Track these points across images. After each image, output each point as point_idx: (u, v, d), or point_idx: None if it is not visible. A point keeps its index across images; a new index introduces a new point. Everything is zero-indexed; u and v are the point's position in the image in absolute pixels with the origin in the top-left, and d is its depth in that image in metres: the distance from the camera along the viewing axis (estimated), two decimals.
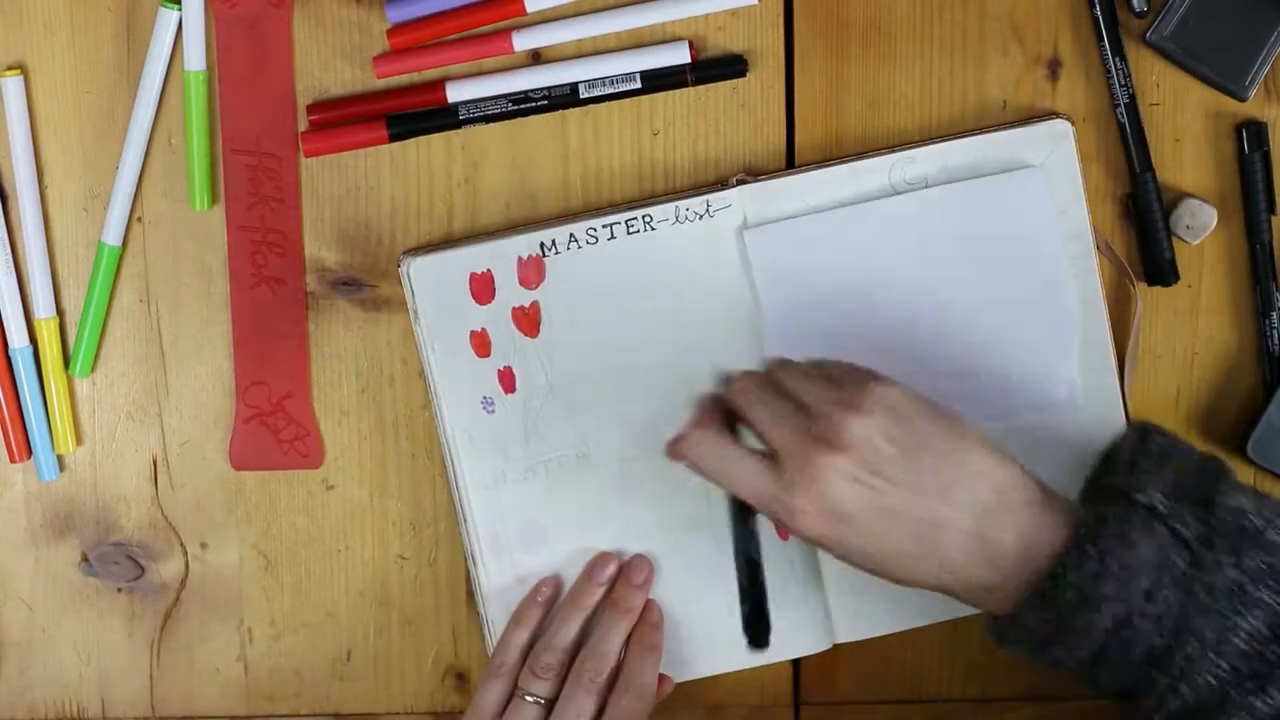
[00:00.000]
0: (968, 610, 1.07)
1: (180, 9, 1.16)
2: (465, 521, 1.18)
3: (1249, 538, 1.02)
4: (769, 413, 1.07)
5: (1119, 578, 1.01)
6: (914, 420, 1.05)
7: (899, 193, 1.16)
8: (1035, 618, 1.02)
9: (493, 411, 1.17)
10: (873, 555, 1.05)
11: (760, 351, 1.16)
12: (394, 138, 1.17)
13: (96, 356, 1.20)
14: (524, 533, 1.18)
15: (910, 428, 1.05)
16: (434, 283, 1.17)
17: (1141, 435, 1.07)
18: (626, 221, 1.16)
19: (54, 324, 1.20)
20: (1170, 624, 1.01)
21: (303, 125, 1.18)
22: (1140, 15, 1.15)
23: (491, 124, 1.17)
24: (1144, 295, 1.17)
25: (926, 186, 1.16)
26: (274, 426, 1.20)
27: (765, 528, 1.18)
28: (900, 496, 1.04)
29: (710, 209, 1.16)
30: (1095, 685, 1.04)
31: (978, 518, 1.04)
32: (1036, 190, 1.15)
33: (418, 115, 1.17)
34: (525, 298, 1.17)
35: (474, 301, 1.17)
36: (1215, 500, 1.03)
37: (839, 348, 1.13)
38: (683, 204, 1.16)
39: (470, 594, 1.20)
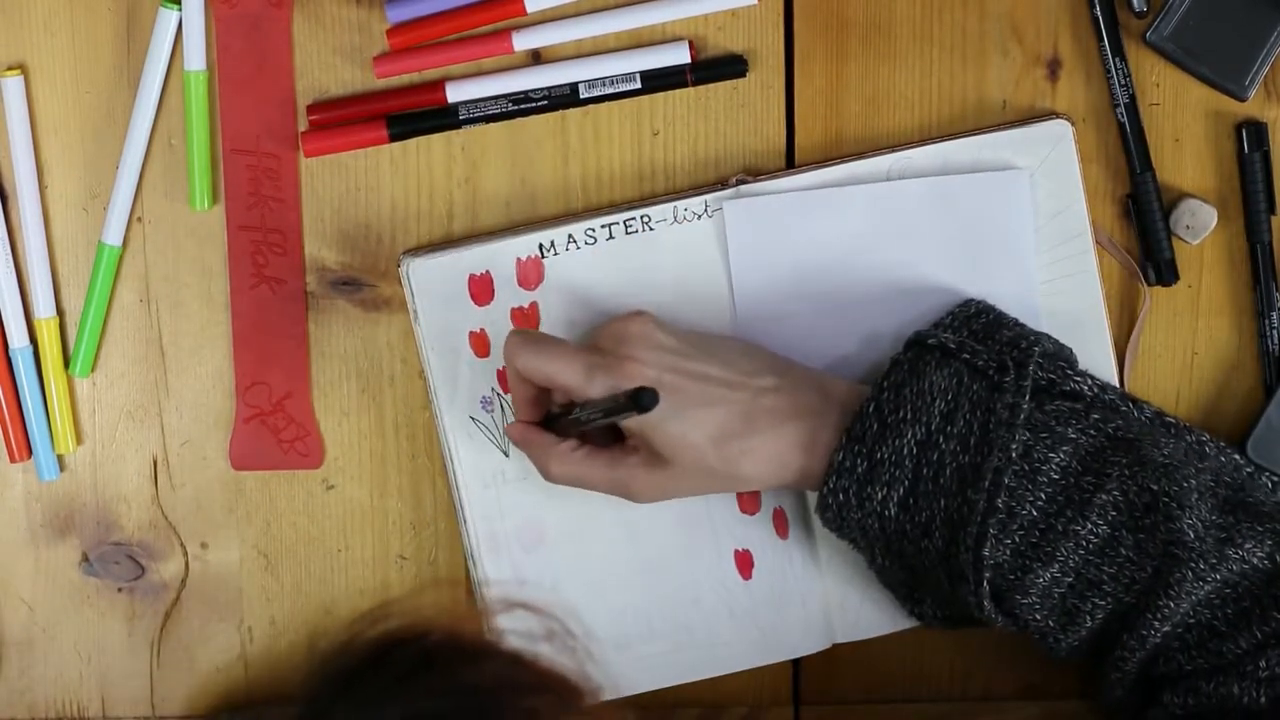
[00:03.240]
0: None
1: (180, 9, 1.16)
2: (464, 521, 1.18)
3: (1043, 389, 1.10)
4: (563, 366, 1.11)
5: (913, 403, 1.08)
6: (679, 330, 1.12)
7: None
8: (847, 458, 1.08)
9: (492, 411, 1.17)
10: (708, 434, 1.09)
11: (732, 323, 1.16)
12: (394, 138, 1.17)
13: (96, 356, 1.20)
14: (522, 532, 1.18)
15: (681, 335, 1.12)
16: (434, 283, 1.17)
17: (960, 306, 1.14)
18: (625, 222, 1.16)
19: (54, 324, 1.20)
20: (974, 442, 1.07)
21: (303, 125, 1.18)
22: (1140, 15, 1.15)
23: (491, 124, 1.17)
24: (1147, 295, 1.17)
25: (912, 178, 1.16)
26: (274, 426, 1.20)
27: (765, 529, 1.18)
28: (704, 365, 1.10)
29: (709, 209, 1.16)
30: (924, 557, 1.08)
31: (778, 383, 1.11)
32: (1020, 191, 1.15)
33: (418, 115, 1.17)
34: (524, 298, 1.17)
35: (473, 303, 1.17)
36: (1008, 342, 1.11)
37: (803, 324, 1.16)
38: (681, 204, 1.16)
39: (470, 594, 1.20)
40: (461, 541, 1.19)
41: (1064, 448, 1.08)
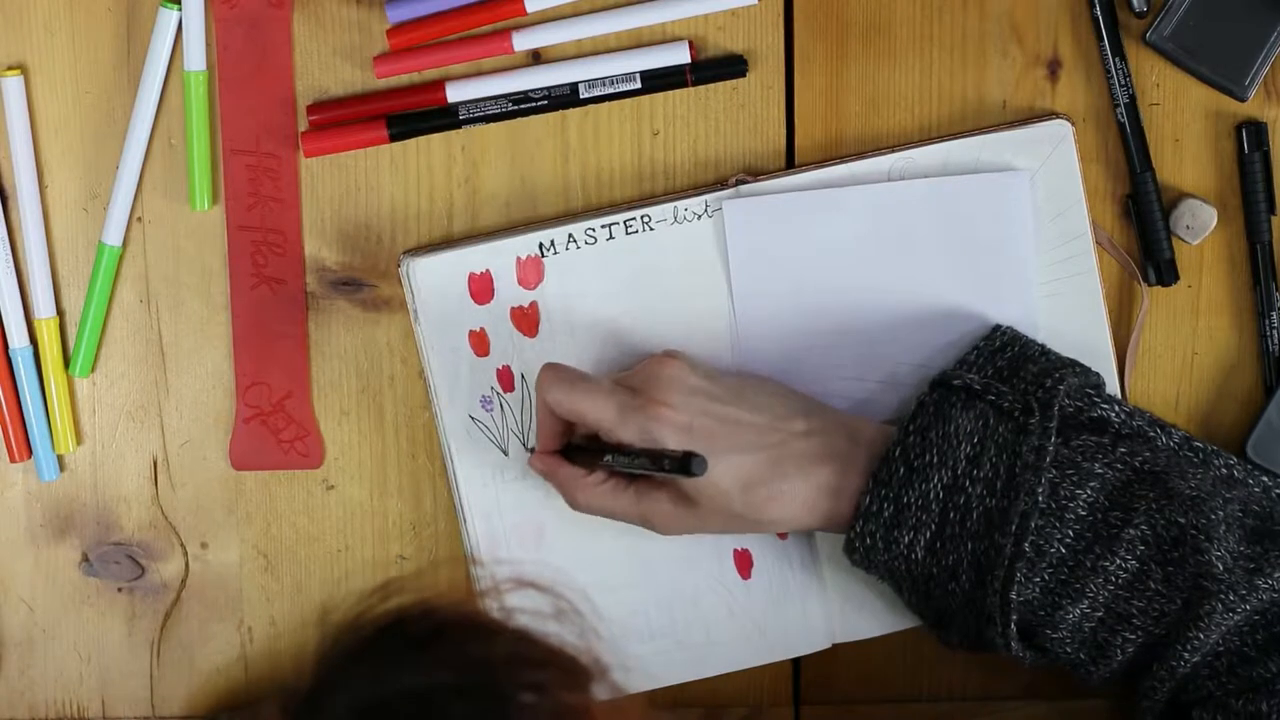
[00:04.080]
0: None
1: (180, 9, 1.16)
2: (464, 521, 1.18)
3: (1069, 422, 1.10)
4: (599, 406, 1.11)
5: (939, 446, 1.08)
6: (711, 373, 1.12)
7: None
8: (874, 502, 1.08)
9: (492, 410, 1.17)
10: (736, 479, 1.09)
11: (731, 323, 1.16)
12: (394, 138, 1.17)
13: (96, 356, 1.20)
14: (522, 531, 1.18)
15: (714, 377, 1.12)
16: (434, 283, 1.17)
17: (988, 335, 1.14)
18: (625, 222, 1.16)
19: (54, 324, 1.20)
20: (1000, 485, 1.07)
21: (303, 125, 1.18)
22: (1140, 15, 1.15)
23: (491, 124, 1.17)
24: (1145, 295, 1.17)
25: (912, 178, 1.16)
26: (274, 426, 1.20)
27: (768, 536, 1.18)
28: (735, 410, 1.10)
29: (709, 209, 1.16)
30: (951, 597, 1.09)
31: (808, 428, 1.11)
32: (1020, 192, 1.15)
33: (418, 115, 1.17)
34: (524, 298, 1.17)
35: (473, 301, 1.17)
36: (1034, 379, 1.11)
37: (802, 325, 1.16)
38: (681, 204, 1.16)
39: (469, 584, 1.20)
40: (461, 541, 1.19)
41: (1091, 484, 1.08)
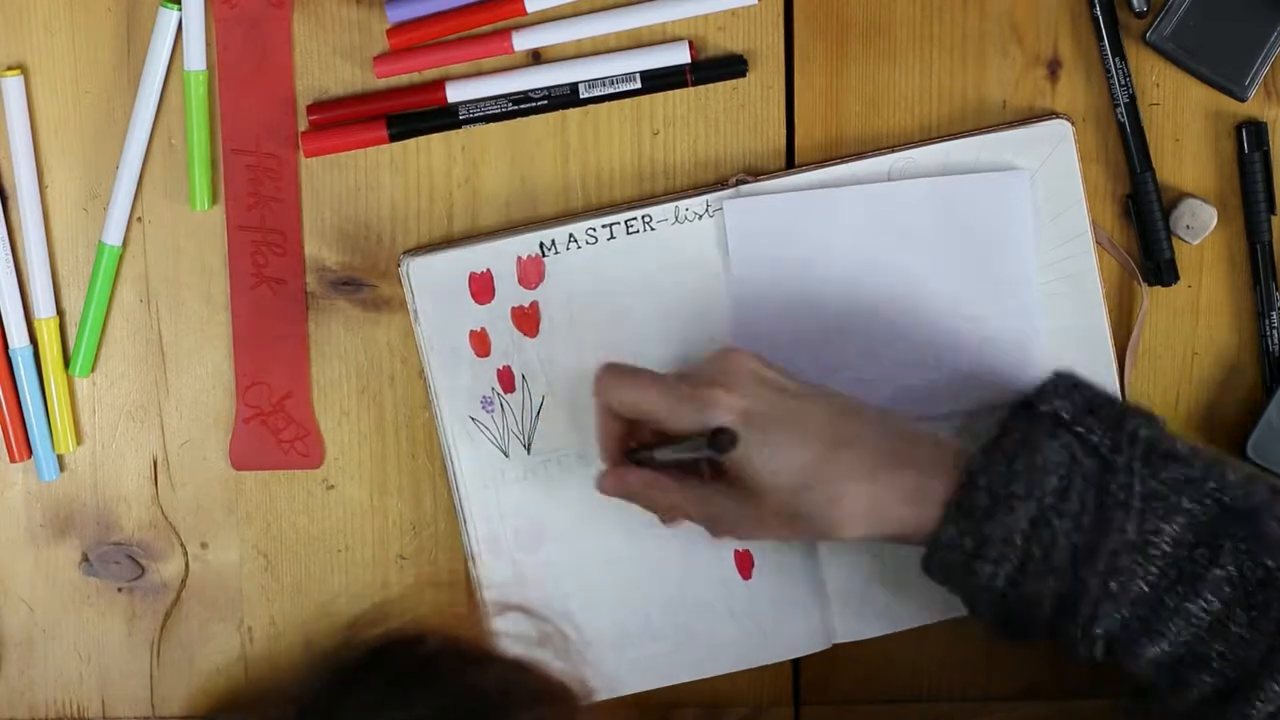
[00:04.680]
0: (967, 610, 1.09)
1: (180, 9, 1.16)
2: (465, 521, 1.18)
3: (1158, 454, 1.05)
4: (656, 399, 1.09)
5: (1026, 477, 1.04)
6: (785, 370, 1.10)
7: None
8: (955, 531, 1.04)
9: (492, 411, 1.18)
10: (796, 470, 1.06)
11: (731, 322, 1.16)
12: (394, 138, 1.17)
13: (96, 356, 1.20)
14: (522, 532, 1.18)
15: (787, 374, 1.09)
16: (434, 283, 1.17)
17: (1057, 375, 1.09)
18: (626, 222, 1.16)
19: (54, 324, 1.20)
20: (1088, 521, 1.03)
21: (303, 125, 1.18)
22: (1140, 15, 1.15)
23: (491, 124, 1.17)
24: (1145, 295, 1.17)
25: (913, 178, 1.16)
26: (274, 426, 1.20)
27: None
28: (801, 404, 1.07)
29: (710, 209, 1.16)
30: (1031, 620, 1.05)
31: (879, 432, 1.07)
32: (1020, 191, 1.15)
33: (418, 115, 1.17)
34: (525, 297, 1.17)
35: (474, 301, 1.17)
36: (1120, 418, 1.06)
37: (802, 324, 1.16)
38: (682, 204, 1.16)
39: (470, 594, 1.20)
40: (461, 541, 1.19)
41: (1178, 518, 1.04)
